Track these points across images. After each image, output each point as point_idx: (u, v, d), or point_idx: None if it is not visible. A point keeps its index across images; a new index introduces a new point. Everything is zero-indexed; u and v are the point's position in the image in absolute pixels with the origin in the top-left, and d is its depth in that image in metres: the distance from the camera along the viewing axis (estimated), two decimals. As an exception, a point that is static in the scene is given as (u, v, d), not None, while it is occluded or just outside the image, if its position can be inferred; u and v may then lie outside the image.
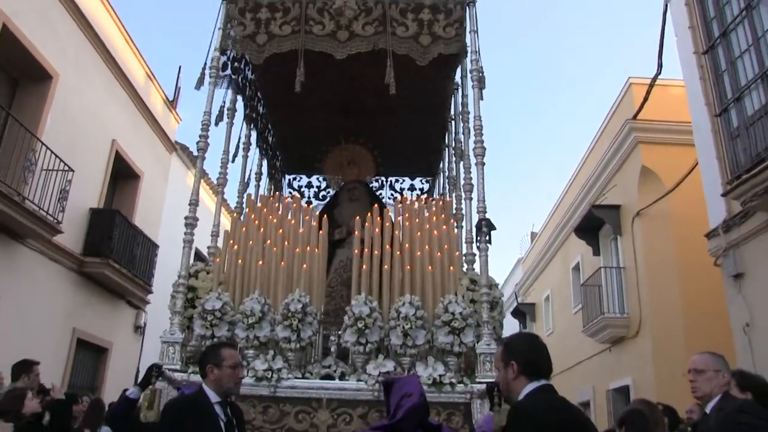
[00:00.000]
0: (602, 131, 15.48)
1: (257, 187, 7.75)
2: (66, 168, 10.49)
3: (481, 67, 5.76)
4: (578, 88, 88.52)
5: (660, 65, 10.96)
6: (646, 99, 11.78)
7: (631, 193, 13.51)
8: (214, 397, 3.57)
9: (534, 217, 69.24)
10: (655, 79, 11.37)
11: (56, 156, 10.23)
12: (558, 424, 2.55)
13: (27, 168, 9.57)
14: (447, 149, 7.96)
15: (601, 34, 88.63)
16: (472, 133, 5.63)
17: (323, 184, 8.59)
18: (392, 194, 8.53)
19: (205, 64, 5.81)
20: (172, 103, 15.86)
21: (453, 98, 7.36)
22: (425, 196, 8.21)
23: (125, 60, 13.37)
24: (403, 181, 8.73)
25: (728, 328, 8.73)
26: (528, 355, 2.80)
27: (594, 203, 15.06)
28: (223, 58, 6.03)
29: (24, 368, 6.15)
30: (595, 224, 14.86)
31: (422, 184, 8.80)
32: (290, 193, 8.40)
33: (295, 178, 8.76)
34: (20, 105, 10.36)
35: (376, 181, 8.49)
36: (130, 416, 4.47)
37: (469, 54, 5.84)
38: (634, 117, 12.72)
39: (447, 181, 7.68)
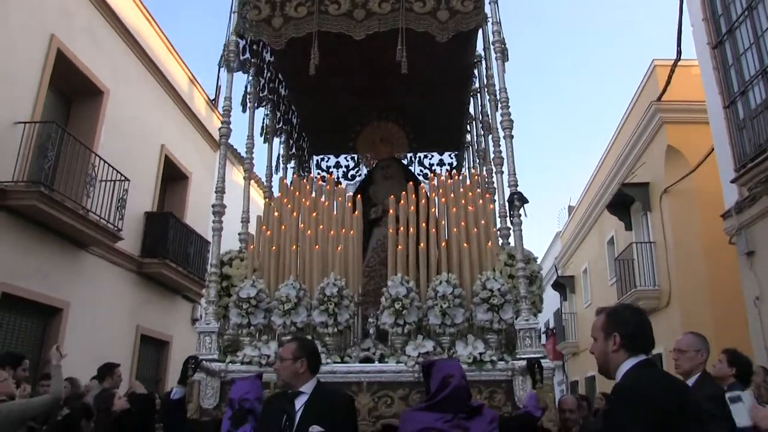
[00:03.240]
0: (630, 111, 15.62)
1: (285, 169, 7.57)
2: (122, 178, 11.04)
3: (503, 39, 5.53)
4: (608, 66, 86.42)
5: (679, 52, 11.29)
6: (668, 82, 11.99)
7: (658, 171, 13.71)
8: None
9: (572, 190, 68.40)
10: (675, 65, 11.61)
11: (112, 167, 10.80)
12: (667, 407, 2.35)
13: (88, 182, 10.16)
14: (474, 122, 7.76)
15: (629, 14, 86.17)
16: (499, 105, 5.45)
17: (351, 164, 8.40)
18: (421, 170, 8.33)
19: (224, 49, 5.67)
20: (213, 103, 16.15)
21: (477, 70, 7.16)
22: (455, 170, 7.99)
23: (168, 67, 13.83)
24: (432, 156, 8.49)
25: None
26: (633, 328, 2.62)
27: (624, 181, 15.30)
28: (242, 43, 5.88)
29: (107, 370, 6.73)
30: (625, 201, 15.08)
31: (450, 158, 8.56)
32: (319, 174, 8.24)
33: (323, 159, 8.57)
34: (75, 122, 10.94)
35: (405, 157, 8.22)
36: (179, 417, 4.39)
37: (490, 25, 5.61)
38: (659, 98, 12.84)
39: (477, 154, 7.46)
